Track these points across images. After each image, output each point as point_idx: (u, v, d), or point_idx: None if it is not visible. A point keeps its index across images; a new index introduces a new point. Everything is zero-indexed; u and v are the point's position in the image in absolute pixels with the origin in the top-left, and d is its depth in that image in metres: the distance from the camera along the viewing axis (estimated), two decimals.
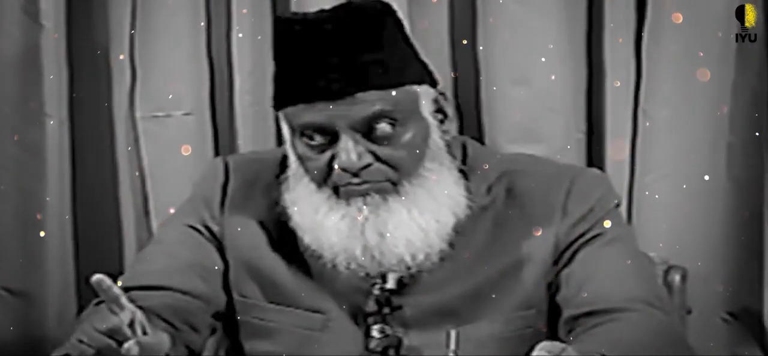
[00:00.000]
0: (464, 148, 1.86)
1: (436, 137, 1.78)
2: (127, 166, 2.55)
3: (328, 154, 1.73)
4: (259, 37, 2.50)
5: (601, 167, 2.44)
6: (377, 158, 1.72)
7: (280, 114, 1.78)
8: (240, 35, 2.50)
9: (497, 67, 2.45)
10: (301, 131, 1.74)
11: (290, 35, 1.73)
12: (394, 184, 1.73)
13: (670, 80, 2.42)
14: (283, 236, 1.83)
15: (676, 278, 2.07)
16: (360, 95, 1.70)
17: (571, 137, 2.45)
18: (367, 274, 1.77)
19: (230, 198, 1.87)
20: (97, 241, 2.57)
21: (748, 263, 2.45)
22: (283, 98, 1.76)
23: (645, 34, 2.42)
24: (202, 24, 2.51)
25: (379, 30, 1.73)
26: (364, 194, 1.73)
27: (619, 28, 2.43)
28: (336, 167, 1.72)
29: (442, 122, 1.80)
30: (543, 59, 2.43)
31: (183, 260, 1.84)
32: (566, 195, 1.80)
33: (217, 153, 2.55)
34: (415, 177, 1.75)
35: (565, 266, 1.79)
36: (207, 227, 1.87)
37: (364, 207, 1.73)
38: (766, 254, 2.43)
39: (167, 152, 2.53)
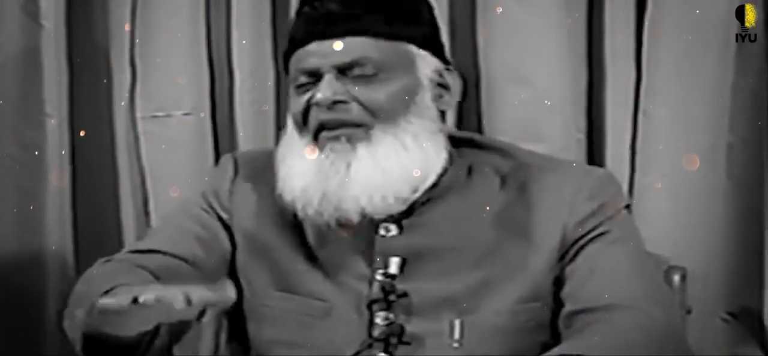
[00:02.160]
0: (473, 143, 1.87)
1: (426, 99, 1.81)
2: (127, 166, 2.55)
3: (309, 94, 1.78)
4: (260, 38, 2.50)
5: (601, 167, 2.43)
6: (355, 99, 1.76)
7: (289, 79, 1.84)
8: (241, 39, 2.50)
9: (497, 67, 2.45)
10: (292, 78, 1.81)
11: None
12: (367, 129, 1.76)
13: (670, 80, 2.41)
14: (288, 225, 1.85)
15: (676, 278, 2.08)
16: (350, 40, 1.76)
17: (571, 137, 2.45)
18: (365, 250, 1.79)
19: (238, 187, 1.92)
20: (97, 241, 2.57)
21: (748, 263, 2.45)
22: (286, 50, 1.83)
23: (645, 34, 2.41)
24: (202, 24, 2.50)
25: None
26: (334, 139, 1.76)
27: (619, 28, 2.43)
28: (312, 103, 1.77)
29: (441, 96, 1.83)
30: (543, 59, 2.43)
31: (191, 232, 1.90)
32: (576, 192, 1.82)
33: (217, 153, 2.55)
34: (391, 126, 1.78)
35: (570, 261, 1.80)
36: (217, 215, 1.90)
37: (331, 154, 1.76)
38: (766, 254, 2.43)
39: (167, 152, 2.53)
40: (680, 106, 2.42)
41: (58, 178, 2.51)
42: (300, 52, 1.79)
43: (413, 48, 1.80)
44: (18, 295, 2.54)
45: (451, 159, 1.84)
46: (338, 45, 1.76)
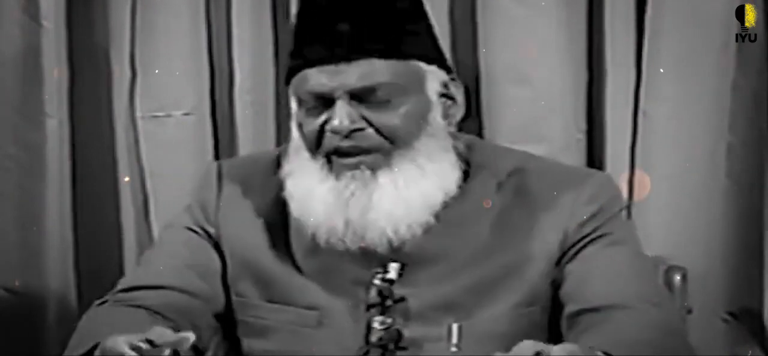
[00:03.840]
0: (471, 147, 1.86)
1: (437, 117, 1.80)
2: (127, 166, 2.55)
3: (322, 118, 1.75)
4: (260, 38, 2.50)
5: (602, 167, 2.44)
6: (370, 125, 1.74)
7: (290, 90, 1.80)
8: (241, 39, 2.50)
9: (497, 67, 2.45)
10: (301, 99, 1.76)
11: (310, 4, 1.77)
12: (386, 155, 1.75)
13: (670, 80, 2.41)
14: (277, 235, 1.85)
15: (676, 278, 2.08)
16: (362, 62, 1.73)
17: (571, 137, 2.45)
18: (362, 255, 1.78)
19: (224, 201, 1.89)
20: (97, 241, 2.57)
21: (748, 263, 2.45)
22: (292, 68, 1.78)
23: (645, 34, 2.41)
24: (202, 24, 2.50)
25: (392, 3, 1.75)
26: (353, 168, 1.74)
27: (619, 28, 2.43)
28: (327, 129, 1.74)
29: (448, 109, 1.81)
30: (543, 59, 2.43)
31: (182, 261, 1.86)
32: (576, 196, 1.82)
33: (217, 153, 2.55)
34: (407, 150, 1.76)
35: (569, 263, 1.80)
36: (204, 230, 1.89)
37: (352, 182, 1.74)
38: (766, 254, 2.43)
39: (167, 152, 2.53)
40: (680, 106, 2.42)
41: (58, 178, 2.51)
42: (308, 73, 1.75)
43: (423, 65, 1.78)
44: (18, 295, 2.54)
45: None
46: (352, 70, 1.72)
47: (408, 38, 1.77)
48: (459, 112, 1.84)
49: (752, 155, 2.43)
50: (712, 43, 2.40)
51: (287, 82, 1.81)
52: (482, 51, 2.46)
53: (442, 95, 1.80)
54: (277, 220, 1.85)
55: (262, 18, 2.50)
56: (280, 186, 1.86)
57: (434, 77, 1.79)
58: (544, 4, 2.42)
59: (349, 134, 1.73)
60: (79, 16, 2.52)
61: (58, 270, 2.53)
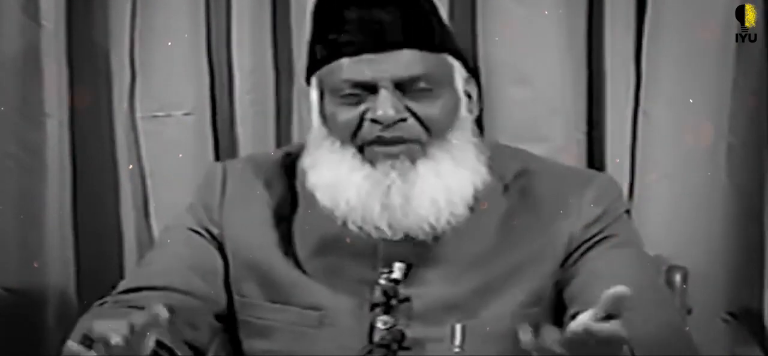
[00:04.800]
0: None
1: (464, 111, 1.81)
2: (127, 166, 2.55)
3: (361, 107, 1.76)
4: (260, 38, 2.50)
5: (602, 167, 2.44)
6: (413, 115, 1.75)
7: (313, 79, 1.81)
8: (240, 39, 2.50)
9: (497, 67, 2.45)
10: (335, 88, 1.75)
11: None
12: (423, 145, 1.75)
13: (670, 80, 2.41)
14: (282, 235, 1.85)
15: (677, 278, 2.08)
16: (405, 52, 1.74)
17: (571, 137, 2.45)
18: (367, 255, 1.78)
19: (228, 201, 1.89)
20: (97, 241, 2.57)
21: (748, 263, 2.45)
22: (324, 56, 1.78)
23: (645, 34, 2.41)
24: (202, 24, 2.50)
25: None
26: (393, 157, 1.74)
27: (619, 28, 2.43)
28: (368, 118, 1.74)
29: (470, 106, 1.84)
30: (543, 59, 2.43)
31: (184, 262, 1.86)
32: (582, 198, 1.83)
33: (217, 153, 2.54)
34: (443, 141, 1.77)
35: (573, 265, 1.80)
36: (207, 230, 1.89)
37: (392, 171, 1.74)
38: (766, 254, 2.43)
39: (167, 152, 2.53)
40: (680, 106, 2.42)
41: (58, 178, 2.51)
42: (349, 62, 1.75)
43: (452, 60, 1.81)
44: (18, 295, 2.53)
45: None
46: (395, 59, 1.73)
47: (441, 32, 1.79)
48: (476, 109, 1.85)
49: (752, 155, 2.43)
50: (712, 43, 2.40)
51: (311, 72, 1.81)
52: (482, 51, 2.46)
53: (465, 93, 1.82)
54: (282, 220, 1.85)
55: (262, 18, 2.50)
56: (285, 186, 1.86)
57: (459, 73, 1.81)
58: (544, 4, 2.42)
59: (392, 124, 1.73)
60: (79, 16, 2.52)
61: (58, 270, 2.53)
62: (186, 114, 2.52)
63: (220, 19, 2.52)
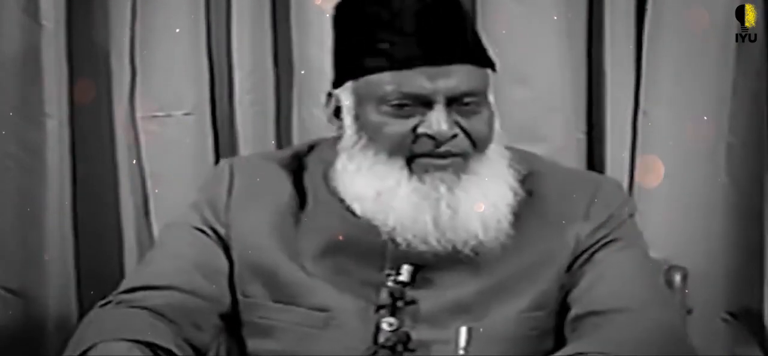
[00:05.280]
0: None
1: (497, 125, 1.81)
2: (127, 166, 2.55)
3: (413, 120, 1.74)
4: (260, 38, 2.50)
5: (602, 167, 2.44)
6: (463, 130, 1.75)
7: (349, 85, 1.78)
8: (240, 39, 2.50)
9: (497, 67, 2.44)
10: (384, 98, 1.74)
11: (390, 5, 1.75)
12: (466, 159, 1.76)
13: (670, 80, 2.41)
14: (288, 235, 1.84)
15: (676, 278, 2.08)
16: (461, 67, 1.74)
17: (571, 137, 2.45)
18: (398, 256, 1.77)
19: (235, 199, 1.88)
20: (97, 241, 2.57)
21: (748, 263, 2.45)
22: (375, 66, 1.76)
23: (645, 34, 2.41)
24: (202, 24, 2.50)
25: (465, 10, 1.79)
26: (442, 169, 1.74)
27: (619, 28, 2.42)
28: (421, 132, 1.73)
29: None
30: (543, 59, 2.43)
31: (188, 261, 1.85)
32: (589, 202, 1.83)
33: (217, 153, 2.54)
34: (483, 155, 1.78)
35: (579, 268, 1.81)
36: (212, 229, 1.88)
37: (442, 185, 1.74)
38: (766, 254, 2.43)
39: (167, 152, 2.53)
40: (680, 106, 2.42)
41: (58, 178, 2.51)
42: (405, 74, 1.73)
43: (490, 73, 1.81)
44: (18, 295, 2.54)
45: None
46: (452, 74, 1.73)
47: (483, 46, 1.80)
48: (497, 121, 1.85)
49: (752, 155, 2.43)
50: (712, 43, 2.40)
51: (350, 77, 1.78)
52: None
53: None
54: (288, 220, 1.85)
55: (262, 18, 2.50)
56: (292, 187, 1.85)
57: (492, 86, 1.81)
58: (544, 4, 2.42)
59: (445, 140, 1.73)
60: (79, 16, 2.52)
61: (58, 270, 2.53)
62: (186, 114, 2.52)
63: (220, 19, 2.52)
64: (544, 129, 2.43)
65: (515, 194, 1.81)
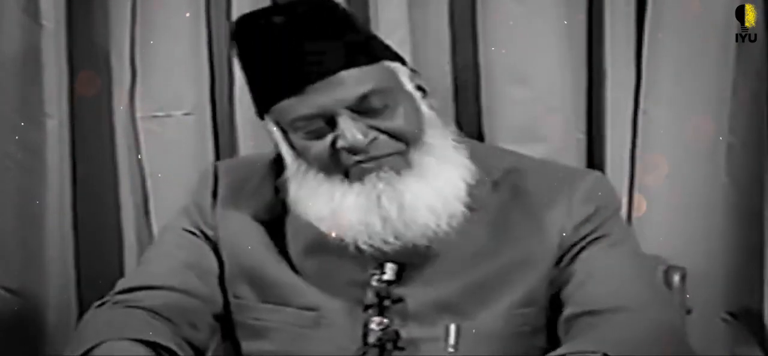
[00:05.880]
0: (463, 146, 1.86)
1: (425, 108, 1.79)
2: (127, 166, 2.55)
3: (328, 138, 1.74)
4: None
5: (602, 167, 2.44)
6: (381, 132, 1.73)
7: (267, 119, 1.78)
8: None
9: (497, 67, 2.45)
10: (295, 125, 1.74)
11: (256, 34, 1.74)
12: (403, 155, 1.74)
13: (670, 80, 2.41)
14: (274, 236, 1.85)
15: (676, 278, 2.08)
16: (345, 74, 1.71)
17: (571, 137, 2.45)
18: (379, 255, 1.77)
19: (220, 202, 1.90)
20: (97, 241, 2.57)
21: (748, 263, 2.45)
22: (269, 98, 1.76)
23: (645, 34, 2.41)
24: (203, 24, 2.50)
25: (337, 16, 1.76)
26: (377, 170, 1.73)
27: (619, 28, 2.42)
28: (340, 147, 1.72)
29: (423, 97, 1.81)
30: (543, 59, 2.43)
31: (181, 261, 1.87)
32: (572, 196, 1.82)
33: (217, 153, 2.55)
34: (421, 145, 1.76)
35: (567, 265, 1.80)
36: (202, 231, 1.89)
37: (379, 183, 1.73)
38: (766, 254, 2.43)
39: (167, 152, 2.53)
40: (680, 106, 2.42)
41: (58, 178, 2.51)
42: (292, 101, 1.72)
43: (390, 64, 1.78)
44: (18, 295, 2.54)
45: None
46: (340, 82, 1.70)
47: (368, 43, 1.77)
48: (433, 100, 1.83)
49: (752, 155, 2.43)
50: (712, 43, 2.40)
51: (263, 111, 1.78)
52: (482, 51, 2.46)
53: (416, 87, 1.81)
54: (274, 221, 1.85)
55: None
56: (277, 187, 1.86)
57: (403, 73, 1.79)
58: (544, 4, 2.42)
59: (365, 148, 1.72)
60: (79, 16, 2.52)
61: (58, 270, 2.53)
62: (186, 114, 2.52)
63: (220, 19, 2.52)
64: (543, 129, 2.43)
65: (471, 174, 1.79)
